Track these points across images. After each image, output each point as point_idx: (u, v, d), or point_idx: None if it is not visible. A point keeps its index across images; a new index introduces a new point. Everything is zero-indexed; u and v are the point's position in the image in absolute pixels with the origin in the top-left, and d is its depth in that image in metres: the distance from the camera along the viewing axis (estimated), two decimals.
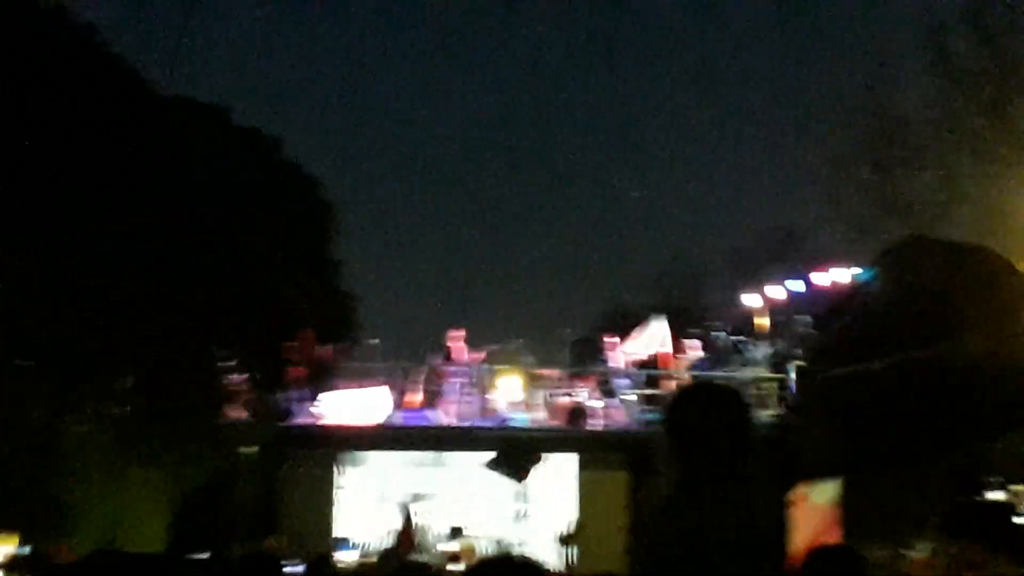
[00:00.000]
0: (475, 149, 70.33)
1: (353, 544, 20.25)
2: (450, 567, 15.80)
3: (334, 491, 21.34)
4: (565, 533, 20.81)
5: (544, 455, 20.49)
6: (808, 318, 22.61)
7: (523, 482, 20.38)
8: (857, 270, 23.14)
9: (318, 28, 70.42)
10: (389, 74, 70.36)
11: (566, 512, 21.57)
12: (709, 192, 66.77)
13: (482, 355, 22.43)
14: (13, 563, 14.63)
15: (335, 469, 21.47)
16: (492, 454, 20.56)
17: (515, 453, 19.88)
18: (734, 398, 4.37)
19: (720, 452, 4.21)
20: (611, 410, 22.43)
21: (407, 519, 19.61)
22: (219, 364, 18.96)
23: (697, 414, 4.27)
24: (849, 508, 20.26)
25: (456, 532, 20.25)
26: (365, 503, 21.63)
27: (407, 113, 69.83)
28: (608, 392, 22.70)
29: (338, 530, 20.81)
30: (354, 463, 21.87)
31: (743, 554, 4.07)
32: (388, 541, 19.95)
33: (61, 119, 17.04)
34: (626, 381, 22.72)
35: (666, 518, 4.23)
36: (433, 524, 20.97)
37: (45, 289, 16.33)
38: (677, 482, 4.22)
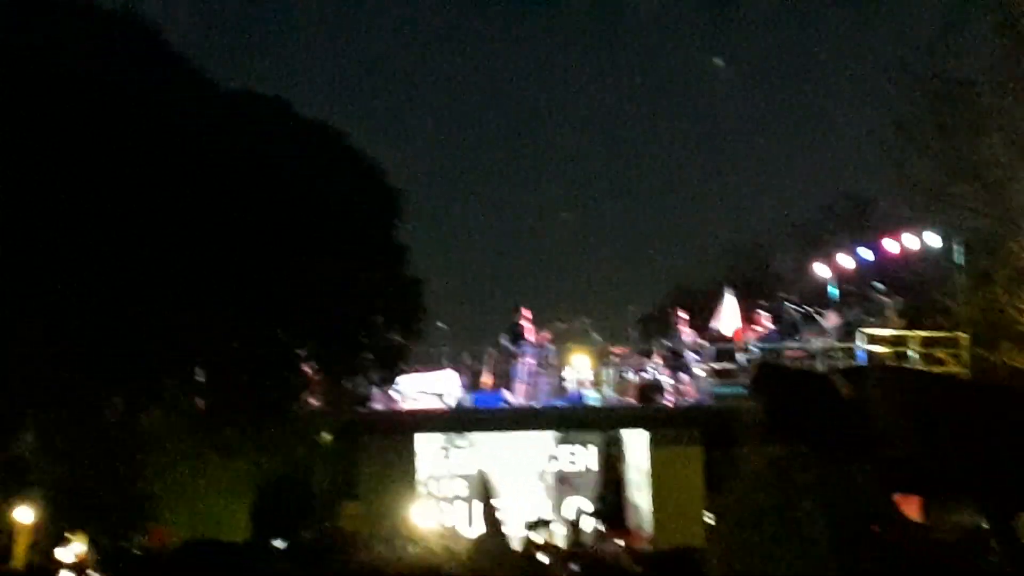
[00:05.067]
0: (537, 130, 70.17)
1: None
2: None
3: (415, 475, 21.49)
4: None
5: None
6: (881, 285, 22.42)
7: None
8: (927, 235, 22.96)
9: (379, 15, 70.38)
10: (451, 57, 70.25)
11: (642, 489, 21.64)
12: (774, 163, 66.09)
13: (550, 335, 22.47)
14: (84, 562, 14.73)
15: (414, 453, 21.62)
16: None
17: None
18: (832, 387, 4.42)
19: (819, 435, 4.24)
20: (681, 386, 22.39)
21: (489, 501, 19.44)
22: (293, 353, 19.15)
23: (798, 399, 4.32)
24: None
25: (538, 524, 20.15)
26: (446, 486, 21.81)
27: (469, 97, 69.72)
28: (678, 367, 22.64)
29: (421, 513, 20.95)
30: (430, 447, 22.03)
31: (834, 529, 4.09)
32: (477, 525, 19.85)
33: (130, 119, 17.26)
34: (695, 356, 22.64)
35: (757, 488, 4.25)
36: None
37: (120, 284, 16.57)
38: (773, 459, 4.23)
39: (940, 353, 21.60)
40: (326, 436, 20.38)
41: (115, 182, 16.82)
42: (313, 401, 20.02)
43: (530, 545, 16.55)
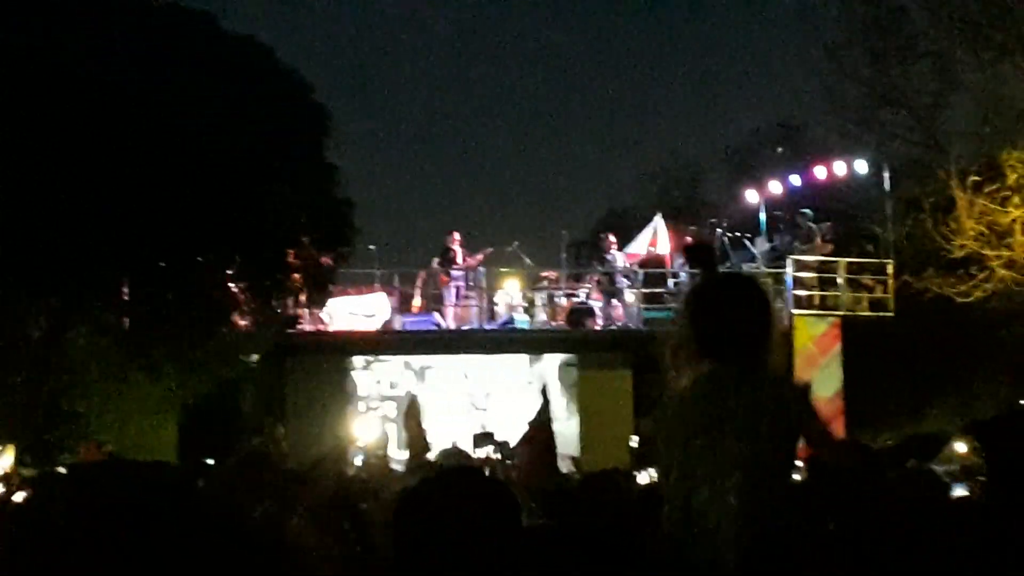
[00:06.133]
0: (471, 51, 69.64)
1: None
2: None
3: (347, 397, 21.44)
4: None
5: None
6: (810, 212, 22.54)
7: None
8: (856, 162, 23.09)
9: None
10: None
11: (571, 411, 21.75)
12: (705, 89, 66.29)
13: (480, 257, 22.39)
14: (11, 475, 14.63)
15: (349, 375, 21.56)
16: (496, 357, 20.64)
17: None
18: (757, 289, 4.29)
19: (745, 342, 4.12)
20: (611, 309, 22.46)
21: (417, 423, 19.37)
22: (221, 272, 18.90)
23: (723, 305, 4.18)
24: (851, 400, 20.55)
25: (484, 438, 20.10)
26: (377, 407, 21.76)
27: (403, 16, 68.98)
28: (608, 292, 22.70)
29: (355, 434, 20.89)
30: (359, 369, 21.96)
31: (767, 438, 4.01)
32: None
33: (51, 29, 16.86)
34: (626, 280, 22.70)
35: (690, 405, 4.15)
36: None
37: (44, 200, 16.23)
38: (707, 372, 4.12)
39: (867, 279, 21.84)
40: (255, 357, 20.23)
41: (45, 98, 16.43)
42: (242, 322, 19.82)
43: (476, 460, 16.60)
